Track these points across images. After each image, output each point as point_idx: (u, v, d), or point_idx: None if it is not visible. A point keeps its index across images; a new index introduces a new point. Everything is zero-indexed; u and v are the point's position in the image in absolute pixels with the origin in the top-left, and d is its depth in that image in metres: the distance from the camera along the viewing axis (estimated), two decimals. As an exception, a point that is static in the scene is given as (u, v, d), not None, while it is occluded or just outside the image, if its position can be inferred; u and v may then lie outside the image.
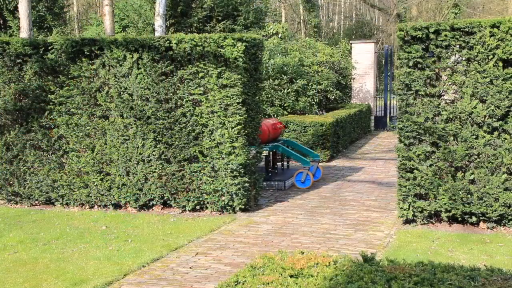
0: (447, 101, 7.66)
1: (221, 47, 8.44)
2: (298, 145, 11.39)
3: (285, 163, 11.75)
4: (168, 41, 8.64)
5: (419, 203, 7.75)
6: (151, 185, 8.89)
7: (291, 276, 4.28)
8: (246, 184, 8.63)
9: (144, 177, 8.92)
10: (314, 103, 16.60)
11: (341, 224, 8.06)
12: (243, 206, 8.68)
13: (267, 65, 15.44)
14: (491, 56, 7.33)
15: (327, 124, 13.25)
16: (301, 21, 35.86)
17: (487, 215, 7.51)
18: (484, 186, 7.43)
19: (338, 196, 9.93)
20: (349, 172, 12.07)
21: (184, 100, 8.67)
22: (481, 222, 7.64)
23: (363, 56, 20.57)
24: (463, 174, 7.54)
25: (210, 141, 8.62)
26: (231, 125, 8.48)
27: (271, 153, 10.99)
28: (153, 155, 8.83)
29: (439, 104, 7.63)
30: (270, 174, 10.75)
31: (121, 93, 8.93)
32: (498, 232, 7.46)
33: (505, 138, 7.35)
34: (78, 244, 7.30)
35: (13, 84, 9.35)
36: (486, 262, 6.16)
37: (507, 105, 7.28)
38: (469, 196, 7.50)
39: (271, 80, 15.42)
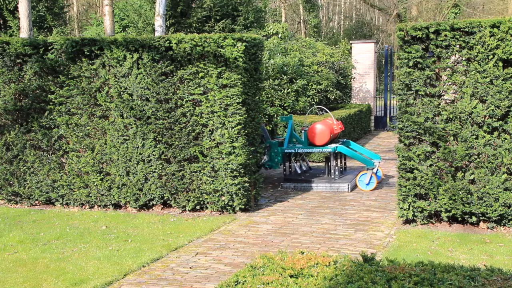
0: (447, 101, 7.66)
1: (221, 47, 8.44)
2: (357, 146, 11.11)
3: (342, 164, 11.39)
4: (168, 41, 8.64)
5: (419, 203, 7.74)
6: (151, 185, 8.89)
7: (291, 276, 4.28)
8: (246, 184, 8.63)
9: (144, 177, 8.92)
10: (314, 103, 16.60)
11: (341, 224, 8.06)
12: (243, 206, 8.68)
13: (267, 65, 15.43)
14: (491, 56, 7.32)
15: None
16: (301, 21, 35.85)
17: (487, 215, 7.51)
18: (484, 186, 7.43)
19: (338, 196, 9.92)
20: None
21: (184, 100, 8.67)
22: (481, 222, 7.64)
23: (363, 56, 20.58)
24: (463, 174, 7.54)
25: (210, 141, 8.62)
26: (231, 125, 8.48)
27: (332, 154, 10.57)
28: (153, 155, 8.83)
29: (439, 104, 7.63)
30: (332, 177, 10.50)
31: (121, 93, 8.93)
32: (498, 232, 7.46)
33: (505, 138, 7.35)
34: (78, 244, 7.30)
35: (13, 84, 9.36)
36: (486, 262, 6.16)
37: (507, 105, 7.28)
38: (469, 196, 7.50)
39: (271, 80, 15.42)
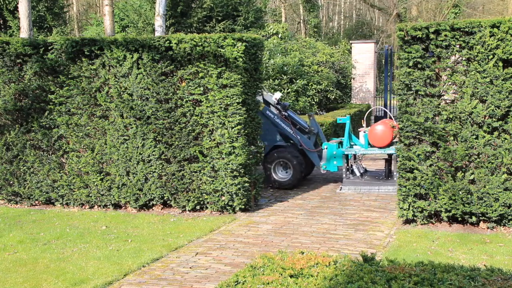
0: (447, 101, 7.66)
1: (221, 47, 8.43)
2: None
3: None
4: (168, 41, 8.64)
5: (419, 203, 7.74)
6: (151, 185, 8.89)
7: (291, 276, 4.28)
8: (246, 184, 8.63)
9: (144, 177, 8.92)
10: (314, 103, 16.61)
11: (341, 224, 8.06)
12: (243, 206, 8.68)
13: (267, 65, 15.44)
14: (491, 56, 7.32)
15: (327, 124, 13.25)
16: (301, 21, 35.84)
17: (487, 215, 7.51)
18: (484, 186, 7.43)
19: (338, 196, 9.92)
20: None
21: (184, 100, 8.67)
22: (481, 222, 7.64)
23: (363, 56, 20.59)
24: (463, 174, 7.54)
25: (210, 141, 8.62)
26: (231, 125, 8.48)
27: (394, 156, 10.22)
28: (153, 155, 8.83)
29: (439, 104, 7.63)
30: (395, 179, 10.08)
31: (121, 93, 8.93)
32: (498, 232, 7.46)
33: (505, 138, 7.35)
34: (78, 244, 7.30)
35: (13, 84, 9.35)
36: (486, 262, 6.16)
37: (507, 105, 7.28)
38: (469, 196, 7.50)
39: (271, 80, 15.42)
